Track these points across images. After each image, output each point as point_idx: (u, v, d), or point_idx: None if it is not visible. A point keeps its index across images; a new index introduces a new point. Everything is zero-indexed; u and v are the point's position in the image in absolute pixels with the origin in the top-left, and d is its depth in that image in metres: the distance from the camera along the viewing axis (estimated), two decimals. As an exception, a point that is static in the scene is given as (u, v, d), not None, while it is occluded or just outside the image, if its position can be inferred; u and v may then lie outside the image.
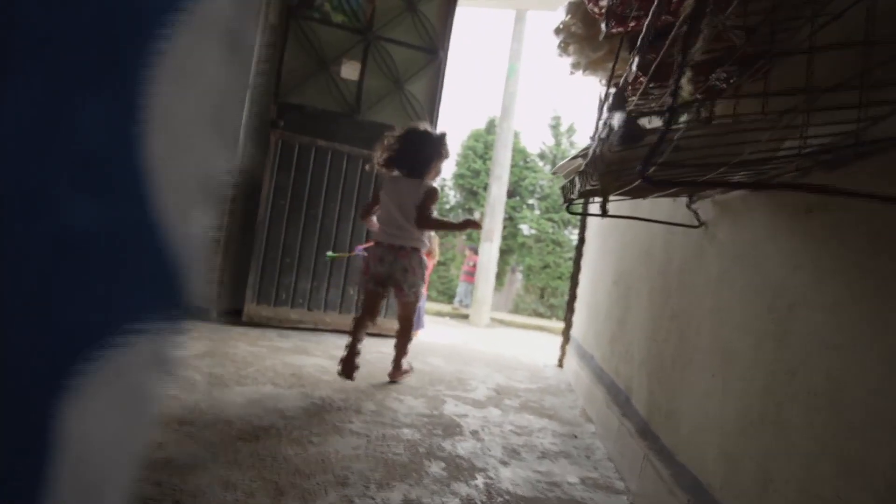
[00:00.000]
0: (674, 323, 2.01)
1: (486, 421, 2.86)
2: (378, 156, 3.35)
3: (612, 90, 1.92)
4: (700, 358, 1.72)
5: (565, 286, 15.57)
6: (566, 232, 15.81)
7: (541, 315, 15.63)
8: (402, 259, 3.23)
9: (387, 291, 3.37)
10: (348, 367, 3.11)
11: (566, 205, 1.87)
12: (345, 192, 4.85)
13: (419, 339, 5.57)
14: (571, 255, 15.95)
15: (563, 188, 1.89)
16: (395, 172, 3.32)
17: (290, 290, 4.72)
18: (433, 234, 6.66)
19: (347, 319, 4.82)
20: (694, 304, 1.85)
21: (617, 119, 0.90)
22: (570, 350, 4.63)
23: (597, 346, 3.43)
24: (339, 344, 4.32)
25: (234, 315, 4.65)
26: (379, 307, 3.40)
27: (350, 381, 3.14)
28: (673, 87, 0.78)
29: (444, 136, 3.35)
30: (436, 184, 3.32)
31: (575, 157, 1.79)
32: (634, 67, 1.24)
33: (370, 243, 3.38)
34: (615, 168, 1.08)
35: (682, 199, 2.09)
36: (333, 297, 4.85)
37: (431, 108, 5.14)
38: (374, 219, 3.37)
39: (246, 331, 4.34)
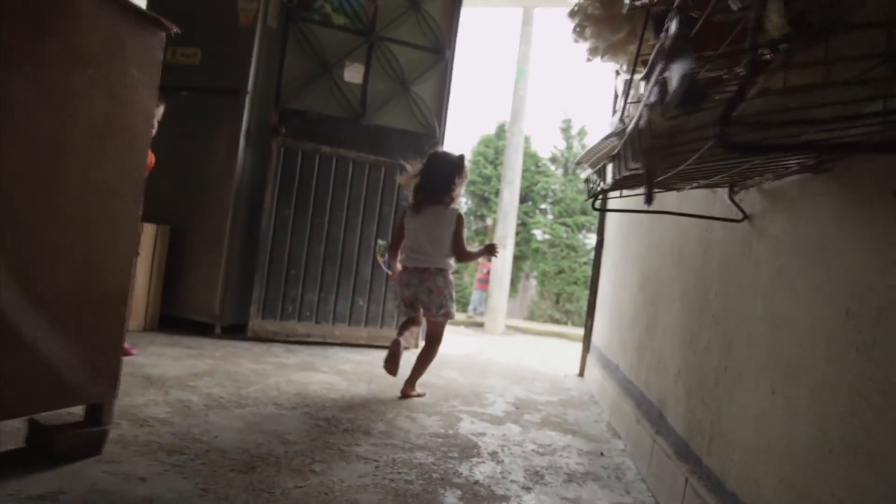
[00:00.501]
0: (716, 331, 1.78)
1: (506, 440, 2.64)
2: (405, 182, 3.52)
3: (640, 70, 1.70)
4: (753, 371, 1.49)
5: (581, 291, 15.30)
6: (580, 236, 15.56)
7: (557, 321, 15.36)
8: (426, 281, 3.31)
9: (418, 314, 3.43)
10: (392, 364, 3.25)
11: (592, 200, 1.65)
12: (351, 198, 4.66)
13: (433, 350, 5.36)
14: (587, 259, 15.68)
15: (587, 181, 1.67)
16: (422, 199, 3.38)
17: (297, 302, 4.53)
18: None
19: (357, 332, 4.62)
20: (741, 309, 1.62)
21: (676, 73, 0.69)
22: (591, 358, 4.39)
23: (622, 355, 3.20)
24: (349, 358, 4.12)
25: (238, 331, 4.46)
26: (418, 319, 3.48)
27: (393, 377, 3.31)
28: (757, 19, 0.57)
29: (461, 157, 3.45)
30: (457, 206, 3.43)
31: (608, 138, 1.55)
32: (673, 28, 1.03)
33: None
34: (663, 143, 0.86)
35: (719, 192, 1.87)
36: (342, 308, 4.65)
37: (439, 109, 4.94)
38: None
39: (251, 347, 4.14)
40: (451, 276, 3.39)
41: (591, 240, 15.86)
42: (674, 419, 2.10)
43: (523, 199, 15.06)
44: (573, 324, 15.10)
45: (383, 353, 4.56)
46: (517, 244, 14.82)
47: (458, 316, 13.96)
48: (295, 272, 4.51)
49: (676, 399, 2.09)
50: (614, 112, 4.32)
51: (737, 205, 1.65)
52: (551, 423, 3.03)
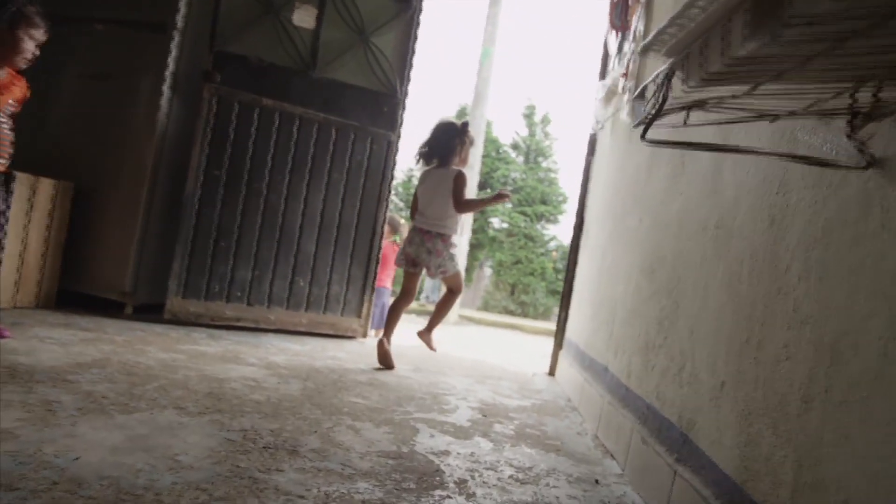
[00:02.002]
0: (802, 333, 1.23)
1: (475, 460, 2.06)
2: (417, 154, 3.70)
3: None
4: (882, 395, 0.94)
5: (537, 283, 14.89)
6: (539, 226, 15.12)
7: (511, 312, 14.92)
8: (427, 242, 3.54)
9: (419, 272, 3.65)
10: (387, 361, 3.50)
11: (644, 128, 1.07)
12: (296, 162, 4.00)
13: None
14: (544, 250, 15.26)
15: (635, 102, 1.09)
16: (430, 167, 3.65)
17: (226, 281, 3.86)
18: (402, 222, 5.87)
19: (296, 317, 3.99)
20: (853, 304, 1.07)
21: None
22: (564, 356, 3.86)
23: (613, 356, 2.66)
24: (284, 347, 3.49)
25: (155, 311, 3.77)
26: (415, 287, 3.75)
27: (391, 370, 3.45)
28: None
29: (465, 124, 3.65)
30: (463, 169, 3.61)
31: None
32: None
33: None
34: None
35: (801, 136, 1.32)
36: (279, 289, 4.00)
37: (402, 66, 4.31)
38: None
39: (166, 331, 3.47)
40: (453, 240, 3.58)
41: (551, 230, 15.44)
42: (713, 448, 1.55)
43: (482, 186, 14.50)
44: (529, 316, 14.68)
45: (325, 343, 3.96)
46: (473, 232, 14.28)
47: (412, 305, 13.39)
48: (225, 245, 3.83)
49: (719, 422, 1.55)
50: (603, 75, 3.78)
51: (861, 145, 1.10)
52: (528, 437, 2.46)
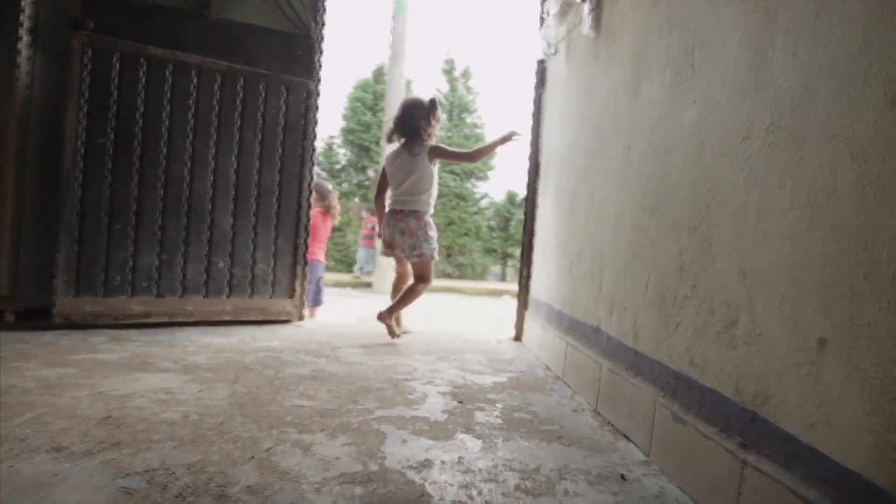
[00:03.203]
0: None
1: (467, 470, 1.58)
2: (387, 134, 3.60)
3: None
4: None
5: (473, 242, 14.51)
6: (470, 184, 14.68)
7: (449, 276, 14.50)
8: (400, 222, 3.44)
9: (400, 254, 3.52)
10: (392, 331, 3.41)
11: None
12: (199, 121, 3.36)
13: (321, 322, 4.22)
14: (477, 209, 14.85)
15: None
16: (397, 144, 3.54)
17: (128, 270, 3.21)
18: (331, 188, 5.27)
19: (218, 305, 3.40)
20: None
21: None
22: (532, 317, 3.42)
23: (608, 314, 2.22)
24: (206, 343, 2.91)
25: (43, 316, 3.10)
26: (406, 268, 3.63)
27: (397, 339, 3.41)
28: None
29: (433, 101, 3.51)
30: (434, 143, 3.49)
31: None
32: None
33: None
34: None
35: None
36: (195, 274, 3.39)
37: (314, 4, 3.69)
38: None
39: (56, 338, 2.83)
40: (428, 219, 3.46)
41: (482, 188, 15.01)
42: (814, 433, 1.11)
43: (407, 148, 13.86)
44: (467, 277, 14.29)
45: (256, 331, 3.38)
46: (403, 196, 13.69)
47: (343, 277, 12.75)
48: (121, 227, 3.18)
49: (820, 395, 1.11)
50: (542, 25, 3.27)
51: None
52: (519, 425, 2.00)
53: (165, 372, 2.35)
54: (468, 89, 14.92)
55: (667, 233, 1.79)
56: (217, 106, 3.40)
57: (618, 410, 2.01)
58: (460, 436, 1.84)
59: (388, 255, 3.56)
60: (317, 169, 14.98)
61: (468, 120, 14.94)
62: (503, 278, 15.05)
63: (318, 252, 5.30)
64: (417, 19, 17.77)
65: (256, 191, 3.53)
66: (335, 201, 5.39)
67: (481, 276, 14.75)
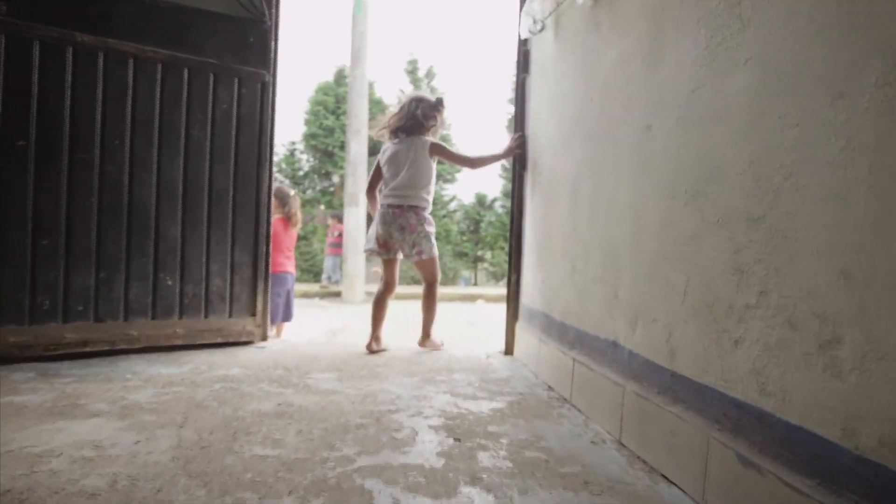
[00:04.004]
0: None
1: (482, 541, 1.21)
2: (382, 126, 3.36)
3: None
4: None
5: (444, 247, 14.14)
6: (437, 187, 14.30)
7: (419, 282, 14.11)
8: (398, 218, 3.22)
9: (395, 256, 3.35)
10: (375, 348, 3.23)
11: None
12: (138, 118, 2.93)
13: (288, 341, 3.82)
14: (446, 212, 14.49)
15: None
16: (396, 140, 3.31)
17: (58, 292, 2.77)
18: (292, 194, 4.86)
19: (168, 328, 2.98)
20: None
21: None
22: (525, 328, 3.06)
23: (629, 326, 1.87)
24: (152, 375, 2.49)
25: (-44, 347, 2.65)
26: (394, 275, 3.42)
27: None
28: None
29: (440, 99, 3.36)
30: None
31: None
32: None
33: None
34: None
35: None
36: (139, 294, 2.96)
37: (267, -16, 3.29)
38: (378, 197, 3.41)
39: (-32, 376, 2.38)
40: (427, 215, 3.28)
41: (450, 190, 14.65)
42: None
43: (372, 152, 13.45)
44: (439, 283, 13.90)
45: (212, 356, 2.95)
46: (369, 202, 13.26)
47: (311, 287, 12.26)
48: (49, 243, 2.74)
49: None
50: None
51: None
52: (533, 467, 1.64)
53: (97, 417, 1.93)
54: (432, 89, 14.56)
55: (712, 227, 1.44)
56: (159, 100, 2.97)
57: (651, 444, 1.66)
58: (465, 489, 1.47)
59: (379, 254, 3.31)
60: (279, 176, 14.51)
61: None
62: (475, 282, 14.71)
63: (287, 263, 4.90)
64: (379, 19, 17.42)
65: (208, 196, 3.11)
66: (296, 207, 4.99)
67: (453, 280, 14.39)
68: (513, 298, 3.23)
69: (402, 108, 3.30)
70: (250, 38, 3.21)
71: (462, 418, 2.06)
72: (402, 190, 3.22)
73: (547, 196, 2.78)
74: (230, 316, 3.20)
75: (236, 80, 3.17)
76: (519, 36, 3.20)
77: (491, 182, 15.52)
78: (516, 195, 3.21)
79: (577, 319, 2.31)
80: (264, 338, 3.34)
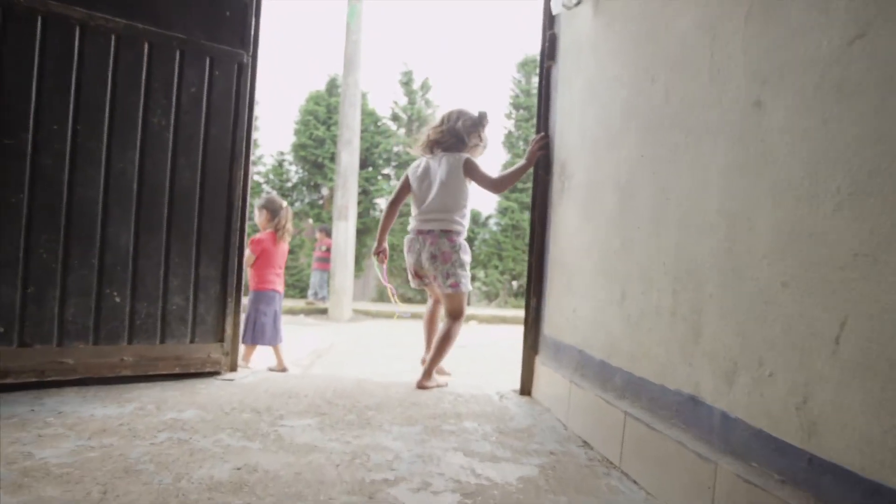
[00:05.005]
0: None
1: None
2: (421, 141, 3.03)
3: None
4: None
5: (435, 265, 13.61)
6: (430, 203, 13.79)
7: (410, 300, 13.57)
8: (430, 244, 2.88)
9: (430, 282, 3.01)
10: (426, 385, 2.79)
11: None
12: (84, 100, 2.41)
13: (261, 374, 3.29)
14: (438, 228, 14.00)
15: None
16: (430, 155, 2.98)
17: (-26, 308, 2.23)
18: (284, 205, 4.38)
19: (113, 355, 2.44)
20: None
21: None
22: (547, 364, 2.54)
23: (723, 380, 1.36)
24: (80, 419, 1.94)
25: None
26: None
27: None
28: None
29: (483, 113, 2.98)
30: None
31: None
32: None
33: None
34: None
35: None
36: (79, 313, 2.41)
37: (249, -48, 2.79)
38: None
39: None
40: (462, 241, 2.91)
41: (443, 206, 14.15)
42: None
43: (363, 165, 12.97)
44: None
45: (166, 390, 2.41)
46: (359, 216, 12.75)
47: (296, 303, 11.68)
48: (-36, 248, 2.20)
49: None
50: None
51: None
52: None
53: (-18, 489, 1.39)
54: (427, 102, 14.13)
55: (892, 241, 0.94)
56: (111, 79, 2.45)
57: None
58: None
59: (417, 285, 3.09)
60: (266, 187, 13.97)
61: (428, 134, 14.11)
62: (468, 302, 14.20)
63: (276, 280, 4.42)
64: (373, 29, 16.97)
65: (169, 196, 2.59)
66: (287, 220, 4.50)
67: (443, 299, 13.84)
68: (532, 328, 2.71)
69: (442, 121, 2.98)
70: (227, 12, 2.71)
71: (483, 493, 1.53)
72: (432, 213, 2.87)
73: (581, 205, 2.27)
74: (192, 341, 2.66)
75: (208, 60, 2.66)
76: (544, 20, 2.73)
77: (484, 199, 15.02)
78: (538, 204, 2.71)
79: (629, 361, 1.80)
80: (233, 368, 2.80)
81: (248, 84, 2.78)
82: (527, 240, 13.66)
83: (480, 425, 2.18)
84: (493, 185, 2.89)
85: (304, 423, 2.07)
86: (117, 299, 2.47)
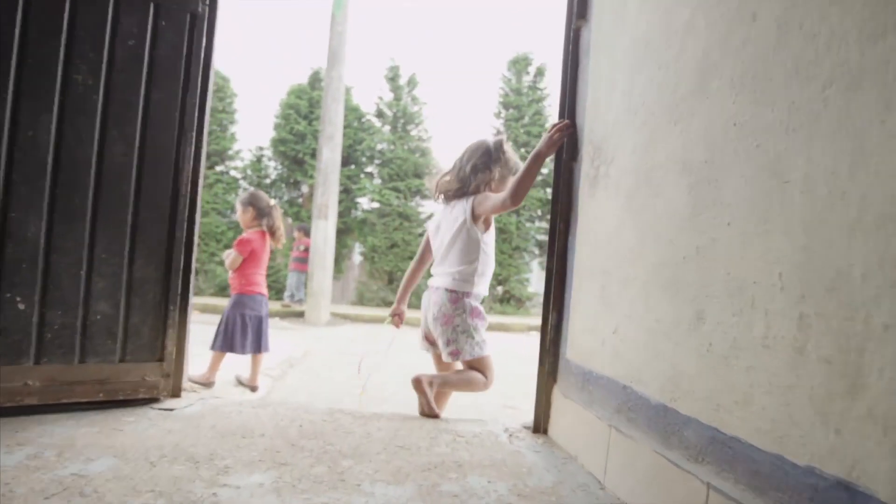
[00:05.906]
0: None
1: None
2: (437, 190, 2.65)
3: None
4: None
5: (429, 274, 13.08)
6: (414, 203, 13.27)
7: (389, 304, 13.02)
8: (433, 304, 2.53)
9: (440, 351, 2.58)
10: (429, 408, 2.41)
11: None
12: (27, 54, 1.85)
13: (210, 402, 2.73)
14: (422, 230, 13.43)
15: None
16: (445, 205, 2.63)
17: None
18: (272, 203, 3.99)
19: (17, 378, 1.87)
20: None
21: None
22: (570, 396, 2.02)
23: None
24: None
25: None
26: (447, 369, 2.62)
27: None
28: None
29: (500, 142, 2.51)
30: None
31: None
32: None
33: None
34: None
35: None
36: (16, 323, 1.85)
37: None
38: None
39: None
40: (471, 302, 2.45)
41: (428, 207, 13.59)
42: None
43: (345, 162, 12.39)
44: (411, 306, 12.83)
45: (81, 426, 1.85)
46: (340, 215, 12.17)
47: (271, 305, 11.09)
48: None
49: None
50: None
51: None
52: None
53: None
54: (413, 99, 13.58)
55: None
56: (20, 24, 1.90)
57: None
58: None
59: (426, 349, 2.67)
60: (243, 182, 13.34)
61: (413, 132, 13.60)
62: (451, 307, 13.65)
63: (262, 283, 4.04)
64: (359, 22, 16.43)
65: (96, 176, 2.03)
66: (278, 219, 4.09)
67: (426, 304, 13.31)
68: (549, 350, 2.18)
69: (453, 166, 2.59)
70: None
71: None
72: (439, 268, 2.58)
73: (626, 195, 1.76)
74: (122, 360, 2.10)
75: (152, 7, 2.12)
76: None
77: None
78: (561, 197, 2.18)
79: (711, 410, 1.28)
80: (175, 393, 2.25)
81: (204, 40, 2.24)
82: (512, 243, 13.22)
83: (491, 483, 1.65)
84: (511, 199, 2.22)
85: (255, 482, 1.52)
86: (21, 306, 1.91)
